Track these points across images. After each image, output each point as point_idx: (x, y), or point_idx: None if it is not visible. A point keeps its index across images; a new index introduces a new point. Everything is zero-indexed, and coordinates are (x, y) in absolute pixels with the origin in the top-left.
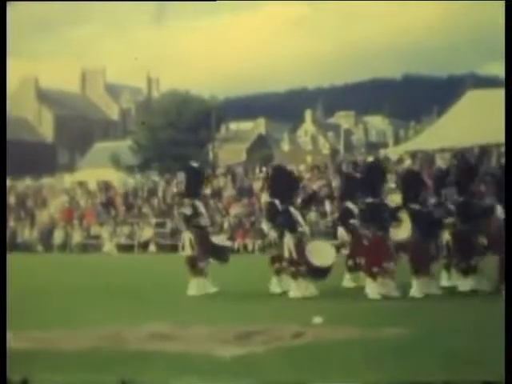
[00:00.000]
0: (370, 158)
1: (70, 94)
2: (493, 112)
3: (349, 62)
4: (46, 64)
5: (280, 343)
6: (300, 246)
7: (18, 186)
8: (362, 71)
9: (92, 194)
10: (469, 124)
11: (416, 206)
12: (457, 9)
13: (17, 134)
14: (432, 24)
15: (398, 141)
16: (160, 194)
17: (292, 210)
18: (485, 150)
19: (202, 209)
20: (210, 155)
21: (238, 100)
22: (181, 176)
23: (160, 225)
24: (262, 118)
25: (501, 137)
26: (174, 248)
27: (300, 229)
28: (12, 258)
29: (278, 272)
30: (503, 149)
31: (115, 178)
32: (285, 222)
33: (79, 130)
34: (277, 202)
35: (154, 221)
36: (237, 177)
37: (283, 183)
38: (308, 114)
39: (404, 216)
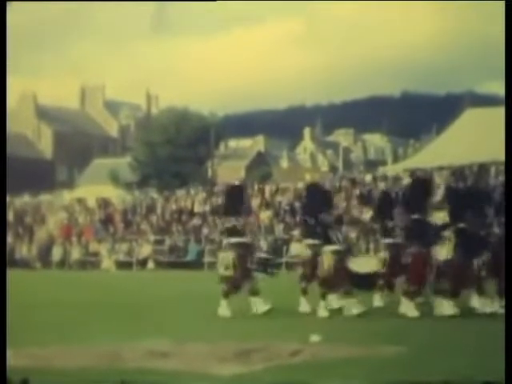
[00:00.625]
0: (369, 176)
1: (69, 111)
2: (491, 130)
3: (347, 80)
4: (45, 80)
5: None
6: (340, 263)
7: (17, 202)
8: (360, 89)
9: (90, 211)
10: (468, 142)
11: (462, 225)
12: (455, 27)
13: (15, 150)
14: (430, 42)
15: (396, 159)
16: (159, 210)
17: (329, 227)
18: (483, 168)
19: (242, 226)
20: (209, 172)
21: (237, 117)
22: (180, 193)
23: (159, 242)
24: (260, 135)
25: (499, 155)
26: (172, 265)
27: (338, 246)
28: (10, 275)
29: (305, 291)
30: (502, 167)
31: (114, 194)
32: (323, 239)
33: (78, 146)
34: (311, 219)
35: (152, 238)
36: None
37: (318, 200)
38: (307, 132)
39: (450, 235)
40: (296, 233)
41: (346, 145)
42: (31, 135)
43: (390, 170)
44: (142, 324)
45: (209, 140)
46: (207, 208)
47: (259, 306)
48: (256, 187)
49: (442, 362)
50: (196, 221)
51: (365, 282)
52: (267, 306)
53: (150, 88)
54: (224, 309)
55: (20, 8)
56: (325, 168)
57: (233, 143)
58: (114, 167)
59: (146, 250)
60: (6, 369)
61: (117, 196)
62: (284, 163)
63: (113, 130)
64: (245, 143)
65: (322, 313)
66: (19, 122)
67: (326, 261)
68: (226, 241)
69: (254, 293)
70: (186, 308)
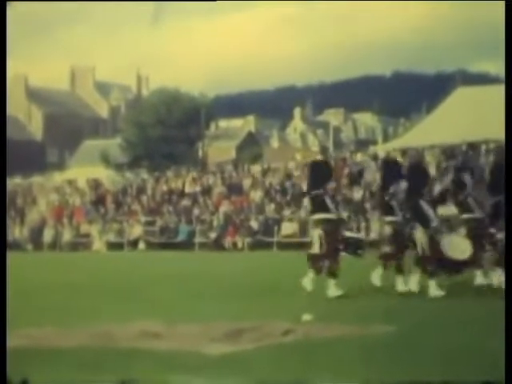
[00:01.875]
0: (360, 155)
1: (59, 92)
2: (482, 109)
3: (338, 60)
4: (36, 62)
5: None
6: (433, 241)
7: (8, 184)
8: (351, 69)
9: (81, 192)
10: (458, 121)
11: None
12: (446, 7)
13: (6, 132)
14: (421, 22)
15: (387, 138)
16: (149, 191)
17: (423, 204)
18: (473, 147)
19: (329, 203)
20: (200, 153)
21: (227, 98)
22: (170, 173)
23: (149, 223)
24: (251, 115)
25: (489, 133)
26: (163, 246)
27: (433, 224)
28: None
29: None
30: (492, 145)
31: (104, 175)
32: (417, 217)
33: (69, 128)
34: (390, 197)
35: (143, 219)
36: (226, 174)
37: (416, 177)
38: (297, 112)
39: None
40: (287, 212)
41: (336, 124)
42: (22, 117)
43: (381, 149)
44: (133, 304)
45: (199, 120)
46: (198, 188)
47: (332, 289)
48: (246, 167)
49: None
50: (187, 201)
51: (457, 268)
52: (339, 291)
53: (140, 69)
54: (308, 283)
55: None
56: (315, 148)
57: (223, 123)
58: (105, 148)
59: (136, 230)
60: (6, 369)
61: (107, 177)
62: (274, 143)
63: (103, 111)
64: (235, 123)
65: (434, 292)
66: (10, 104)
67: (419, 240)
68: (312, 217)
69: (333, 274)
70: (178, 288)
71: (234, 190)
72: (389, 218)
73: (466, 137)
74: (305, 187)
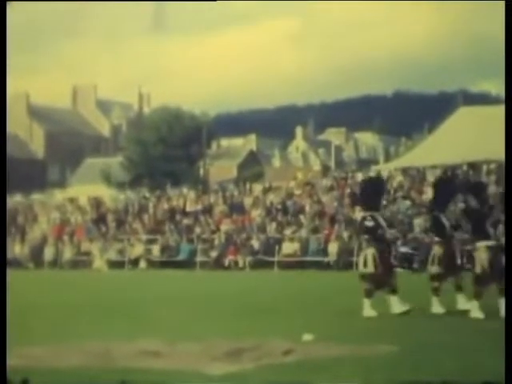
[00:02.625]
0: (361, 175)
1: (61, 110)
2: (484, 129)
3: (340, 79)
4: (38, 80)
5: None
6: (495, 259)
7: (9, 202)
8: (352, 88)
9: (82, 210)
10: (460, 141)
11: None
12: (448, 26)
13: (7, 149)
14: (423, 41)
15: (388, 157)
16: (151, 210)
17: (487, 223)
18: (474, 167)
19: (382, 221)
20: (201, 171)
21: (229, 116)
22: (172, 192)
23: (151, 241)
24: (252, 134)
25: (491, 153)
26: (164, 264)
27: (492, 242)
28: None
29: (438, 291)
30: (492, 165)
31: (106, 194)
32: (480, 235)
33: (70, 146)
34: (442, 215)
35: (144, 237)
36: (227, 193)
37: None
38: (299, 131)
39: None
40: (288, 232)
41: (337, 143)
42: (23, 135)
43: (382, 168)
44: (134, 323)
45: (201, 139)
46: (199, 207)
47: (396, 305)
48: (248, 186)
49: None
50: (188, 220)
51: None
52: (405, 306)
53: (141, 87)
54: (368, 309)
55: (14, 7)
56: (317, 167)
57: (225, 142)
58: (106, 167)
59: (137, 249)
60: (6, 369)
61: (109, 195)
62: (276, 162)
63: (105, 129)
64: (237, 142)
65: (476, 314)
66: (11, 121)
67: (480, 259)
68: (365, 237)
69: (393, 291)
70: (178, 307)
71: (236, 208)
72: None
73: (468, 157)
74: (308, 206)
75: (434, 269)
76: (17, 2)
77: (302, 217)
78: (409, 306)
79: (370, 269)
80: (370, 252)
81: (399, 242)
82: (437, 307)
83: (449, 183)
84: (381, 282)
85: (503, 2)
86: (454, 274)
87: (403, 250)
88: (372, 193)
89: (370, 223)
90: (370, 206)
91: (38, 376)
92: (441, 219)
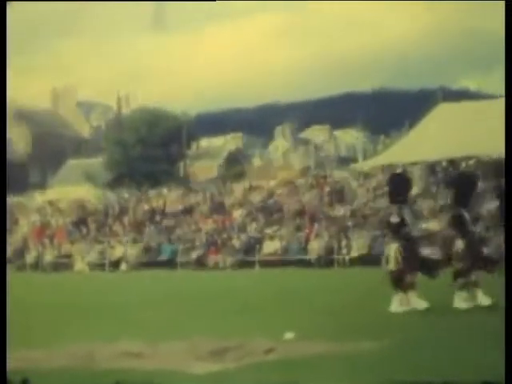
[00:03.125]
0: (340, 173)
1: (41, 112)
2: (462, 125)
3: (321, 76)
4: (17, 81)
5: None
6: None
7: None
8: (334, 85)
9: (63, 213)
10: (439, 137)
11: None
12: (428, 24)
13: None
14: (404, 39)
15: (367, 155)
16: (131, 211)
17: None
18: (453, 163)
19: (408, 218)
20: (182, 172)
21: (209, 116)
22: (152, 193)
23: (132, 242)
24: (233, 133)
25: (469, 150)
26: (145, 265)
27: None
28: None
29: (464, 287)
30: (471, 162)
31: (88, 195)
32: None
33: (51, 147)
34: (465, 213)
35: (125, 238)
36: (208, 193)
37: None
38: (278, 131)
39: None
40: (269, 231)
41: (317, 142)
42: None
43: (362, 166)
44: (116, 325)
45: (181, 139)
46: (180, 207)
47: (417, 302)
48: (229, 186)
49: None
50: (169, 221)
51: None
52: (425, 303)
53: (121, 88)
54: (396, 305)
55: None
56: (297, 166)
57: (205, 142)
58: (87, 168)
59: (118, 251)
60: (6, 369)
61: (89, 197)
62: (257, 161)
63: (85, 131)
64: (217, 142)
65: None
66: None
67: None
68: (389, 233)
69: (412, 287)
70: (160, 307)
71: (217, 208)
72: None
73: (448, 153)
74: (289, 205)
75: (457, 264)
76: (17, 2)
77: (282, 216)
78: (427, 303)
79: (392, 266)
80: (393, 248)
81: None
82: (459, 302)
83: (469, 178)
84: (403, 278)
85: (503, 2)
86: (478, 269)
87: (426, 252)
88: (398, 188)
89: (395, 219)
90: (396, 201)
91: (38, 376)
92: (463, 215)
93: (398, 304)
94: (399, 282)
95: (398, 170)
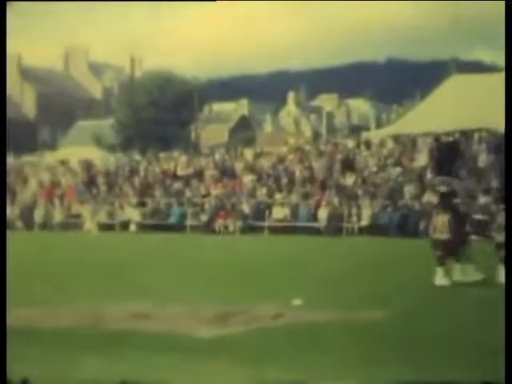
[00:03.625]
0: (352, 141)
1: (52, 72)
2: (475, 97)
3: (332, 45)
4: (30, 41)
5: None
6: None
7: None
8: (344, 54)
9: (73, 173)
10: (451, 108)
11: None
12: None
13: None
14: (416, 9)
15: (380, 124)
16: (141, 173)
17: None
18: (466, 135)
19: (458, 187)
20: (193, 135)
21: (220, 81)
22: (163, 155)
23: (141, 204)
24: (244, 99)
25: (483, 122)
26: (154, 228)
27: None
28: None
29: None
30: (484, 133)
31: (97, 156)
32: None
33: (62, 108)
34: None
35: (134, 200)
36: (218, 157)
37: None
38: (290, 96)
39: None
40: (278, 197)
41: (329, 110)
42: (14, 96)
43: (374, 135)
44: (123, 286)
45: (192, 103)
46: (190, 171)
47: (472, 274)
48: (239, 151)
49: None
50: (179, 184)
51: None
52: (481, 274)
53: (133, 51)
54: (441, 277)
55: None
56: (308, 133)
57: (216, 107)
58: (97, 129)
59: (128, 212)
60: (6, 369)
61: (99, 158)
62: (268, 127)
63: (96, 91)
64: (228, 107)
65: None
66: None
67: None
68: (439, 202)
69: (467, 259)
70: (168, 270)
71: (226, 173)
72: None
73: (459, 124)
74: (299, 171)
75: (500, 237)
76: (17, 2)
77: (292, 182)
78: (483, 274)
79: (444, 235)
80: (443, 218)
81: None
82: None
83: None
84: (454, 249)
85: (503, 2)
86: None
87: (478, 216)
88: (447, 157)
89: (444, 188)
90: (445, 170)
91: (38, 376)
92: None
93: (441, 276)
94: (448, 252)
95: (446, 139)
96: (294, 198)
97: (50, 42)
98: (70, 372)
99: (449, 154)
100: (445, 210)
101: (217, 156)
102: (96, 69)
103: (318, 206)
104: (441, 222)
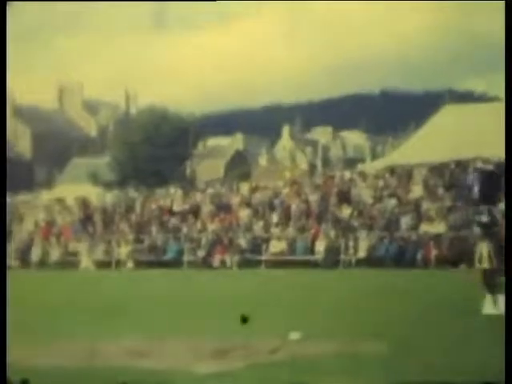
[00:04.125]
0: (348, 173)
1: (47, 110)
2: (470, 126)
3: (326, 78)
4: (23, 79)
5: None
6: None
7: None
8: (339, 87)
9: (69, 211)
10: (446, 138)
11: None
12: (434, 26)
13: None
14: (409, 40)
15: (375, 156)
16: (138, 210)
17: None
18: (461, 165)
19: (499, 216)
20: (188, 171)
21: (215, 116)
22: (159, 192)
23: (138, 241)
24: (239, 133)
25: (476, 151)
26: (151, 264)
27: None
28: None
29: None
30: (479, 164)
31: (93, 193)
32: None
33: (57, 146)
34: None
35: (131, 237)
36: (214, 192)
37: None
38: (285, 130)
39: None
40: (275, 231)
41: (324, 142)
42: (9, 135)
43: (369, 167)
44: (122, 323)
45: (187, 139)
46: (186, 207)
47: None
48: (235, 185)
49: None
50: (175, 220)
51: None
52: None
53: (128, 87)
54: (490, 306)
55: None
56: (304, 166)
57: (211, 142)
58: (93, 167)
59: (124, 249)
60: (6, 369)
61: (96, 195)
62: (263, 161)
63: (92, 129)
64: (223, 142)
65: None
66: None
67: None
68: (480, 232)
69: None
70: (166, 307)
71: (223, 208)
72: None
73: (454, 154)
74: (295, 205)
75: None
76: (17, 1)
77: (289, 216)
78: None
79: (485, 265)
80: (484, 247)
81: None
82: None
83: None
84: (497, 277)
85: (503, 2)
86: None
87: None
88: (488, 186)
89: (485, 218)
90: (487, 199)
91: (38, 376)
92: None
93: (491, 306)
94: (492, 282)
95: (488, 168)
96: (291, 231)
97: (43, 79)
98: None
99: (491, 182)
100: (487, 239)
101: (213, 191)
102: (91, 106)
103: (314, 239)
104: (484, 252)
